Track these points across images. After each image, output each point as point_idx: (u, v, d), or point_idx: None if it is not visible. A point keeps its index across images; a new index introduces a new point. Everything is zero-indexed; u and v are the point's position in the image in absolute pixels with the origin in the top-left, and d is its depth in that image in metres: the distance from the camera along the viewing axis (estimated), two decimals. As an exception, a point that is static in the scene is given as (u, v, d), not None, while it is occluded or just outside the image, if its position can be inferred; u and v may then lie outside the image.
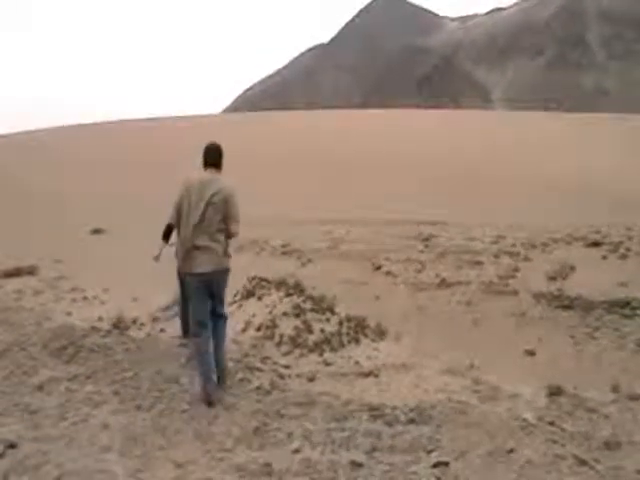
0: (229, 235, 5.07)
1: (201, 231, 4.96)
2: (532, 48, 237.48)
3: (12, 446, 4.05)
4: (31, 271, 10.55)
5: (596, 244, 11.84)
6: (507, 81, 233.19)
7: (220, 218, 5.01)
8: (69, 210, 18.61)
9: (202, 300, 5.09)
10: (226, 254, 5.06)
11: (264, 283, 8.19)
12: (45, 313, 7.92)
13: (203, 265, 4.96)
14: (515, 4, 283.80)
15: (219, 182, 5.12)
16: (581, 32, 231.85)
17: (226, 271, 5.14)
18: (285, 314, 7.22)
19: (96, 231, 14.99)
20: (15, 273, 10.39)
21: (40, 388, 5.17)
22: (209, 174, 5.20)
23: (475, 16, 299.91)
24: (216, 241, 5.00)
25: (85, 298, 8.98)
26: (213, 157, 5.28)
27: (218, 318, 5.27)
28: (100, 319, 7.66)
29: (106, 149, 40.37)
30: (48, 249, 12.35)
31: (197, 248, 4.96)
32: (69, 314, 8.02)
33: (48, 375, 5.47)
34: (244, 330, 7.08)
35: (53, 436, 4.26)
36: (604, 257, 10.85)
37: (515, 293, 8.61)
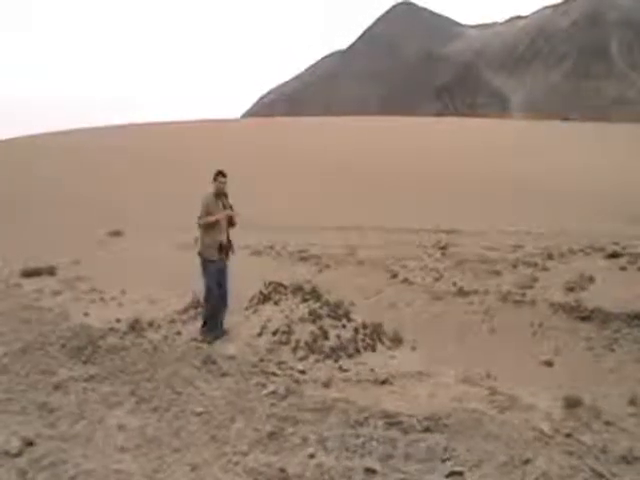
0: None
1: (224, 229, 7.30)
2: (552, 56, 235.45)
3: (30, 444, 4.10)
4: (50, 271, 10.69)
5: (615, 255, 11.65)
6: (526, 89, 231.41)
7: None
8: (87, 212, 18.79)
9: (219, 275, 7.29)
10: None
11: (281, 288, 8.20)
12: (63, 313, 8.02)
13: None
14: (535, 12, 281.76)
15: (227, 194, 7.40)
16: (602, 40, 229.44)
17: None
18: (301, 319, 7.24)
19: (114, 233, 15.13)
20: (35, 273, 10.53)
21: (58, 387, 5.22)
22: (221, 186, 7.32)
23: (494, 24, 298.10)
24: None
25: (103, 299, 9.08)
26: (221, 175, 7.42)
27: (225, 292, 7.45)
28: (117, 320, 7.73)
29: (122, 153, 40.65)
30: (67, 250, 12.49)
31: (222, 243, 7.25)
32: (87, 315, 8.11)
33: (66, 375, 5.52)
34: (260, 334, 7.11)
35: (70, 435, 4.30)
36: (623, 268, 10.69)
37: (533, 303, 8.52)
